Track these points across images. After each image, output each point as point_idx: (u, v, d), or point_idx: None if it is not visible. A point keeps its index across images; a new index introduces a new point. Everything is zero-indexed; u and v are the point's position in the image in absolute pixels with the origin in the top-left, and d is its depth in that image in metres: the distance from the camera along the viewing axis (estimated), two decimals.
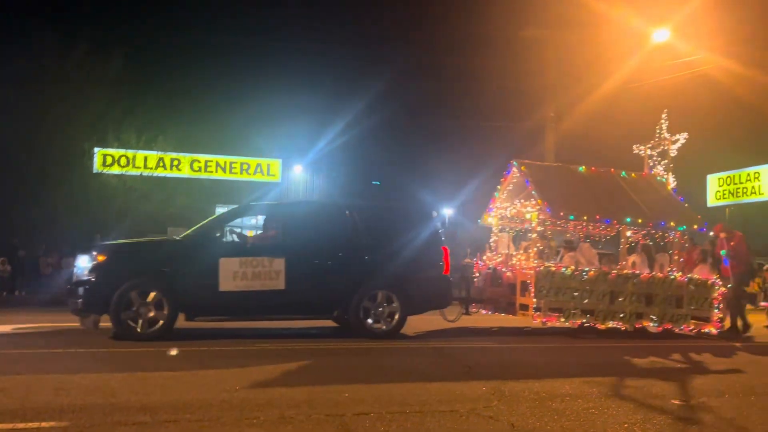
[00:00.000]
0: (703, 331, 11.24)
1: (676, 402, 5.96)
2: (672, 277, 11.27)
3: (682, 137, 12.45)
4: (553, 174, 12.11)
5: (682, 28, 21.50)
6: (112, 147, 25.00)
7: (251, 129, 30.12)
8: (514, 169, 12.01)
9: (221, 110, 28.69)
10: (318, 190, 32.49)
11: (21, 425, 4.65)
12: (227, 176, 29.89)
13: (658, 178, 12.72)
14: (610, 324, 10.80)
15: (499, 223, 12.87)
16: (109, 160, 25.64)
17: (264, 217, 10.97)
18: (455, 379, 6.74)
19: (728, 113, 38.43)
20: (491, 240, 13.05)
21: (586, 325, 10.89)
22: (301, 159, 31.92)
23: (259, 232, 11.13)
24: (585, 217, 11.21)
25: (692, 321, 11.20)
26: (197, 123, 28.02)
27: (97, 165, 25.08)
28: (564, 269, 10.81)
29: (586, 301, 10.72)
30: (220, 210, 30.93)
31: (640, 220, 11.38)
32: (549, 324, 10.65)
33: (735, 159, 30.82)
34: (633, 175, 12.41)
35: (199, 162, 29.05)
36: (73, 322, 10.04)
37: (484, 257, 12.91)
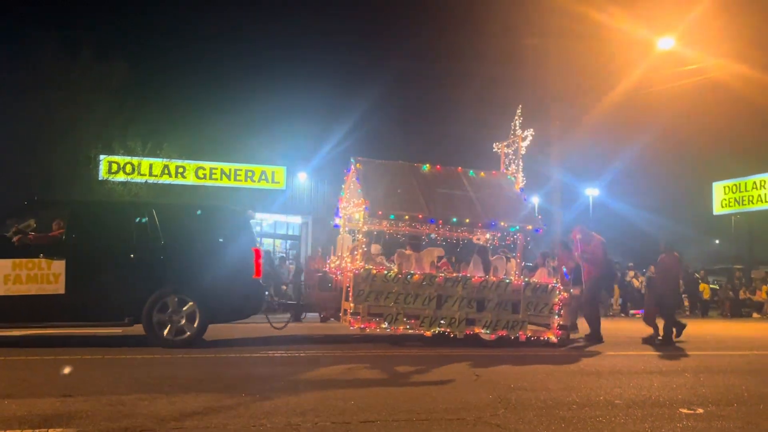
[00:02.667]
0: (542, 338, 10.60)
1: (685, 411, 5.92)
2: (507, 281, 10.64)
3: (529, 134, 11.86)
4: (387, 172, 11.38)
5: (689, 35, 21.50)
6: (117, 154, 25.08)
7: (256, 136, 30.19)
8: (353, 167, 11.35)
9: (226, 117, 28.77)
10: (322, 196, 32.50)
11: (28, 431, 4.65)
12: (232, 183, 29.95)
13: (509, 176, 12.09)
14: (437, 330, 10.21)
15: (347, 224, 12.12)
16: (115, 168, 25.71)
17: (51, 215, 10.28)
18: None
19: (735, 121, 38.39)
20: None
21: (410, 331, 10.29)
22: (305, 166, 31.95)
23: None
24: (406, 217, 10.55)
25: (530, 328, 10.59)
26: (202, 130, 28.11)
27: (102, 172, 25.16)
28: (386, 271, 10.18)
29: (410, 305, 10.09)
30: None
31: (467, 220, 10.81)
32: (368, 330, 10.05)
33: (741, 167, 30.75)
34: (482, 174, 11.86)
35: (204, 169, 29.14)
36: (77, 329, 10.09)
37: (328, 261, 12.16)
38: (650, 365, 8.86)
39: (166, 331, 9.10)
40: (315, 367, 8.02)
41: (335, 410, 5.49)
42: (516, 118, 12.12)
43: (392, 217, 10.54)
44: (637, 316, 19.96)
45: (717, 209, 29.47)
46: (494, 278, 10.63)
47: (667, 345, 11.21)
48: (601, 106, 26.75)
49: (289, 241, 34.66)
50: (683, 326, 12.06)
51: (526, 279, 10.83)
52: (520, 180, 11.98)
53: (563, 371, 8.11)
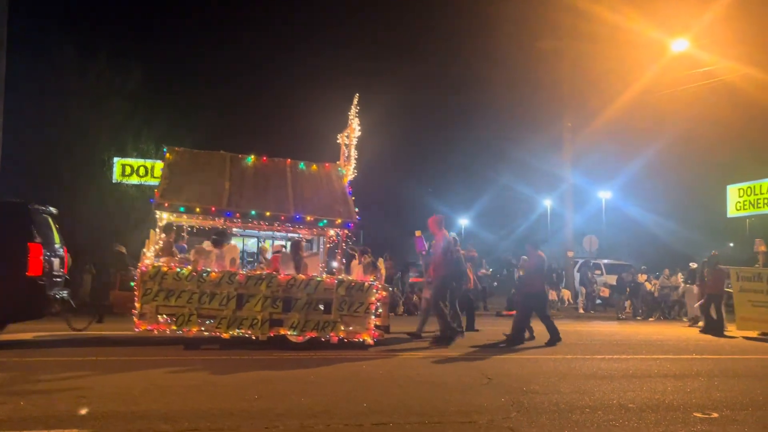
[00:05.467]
0: (356, 339, 9.83)
1: (699, 415, 5.88)
2: (318, 278, 9.92)
3: (357, 127, 11.23)
4: (200, 163, 10.69)
5: (702, 37, 21.37)
6: (131, 157, 25.26)
7: (267, 138, 30.29)
8: (167, 157, 10.66)
9: (238, 119, 28.92)
10: None
11: None
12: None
13: (340, 169, 11.38)
14: (237, 332, 9.42)
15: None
16: (128, 170, 25.84)
17: None
18: None
19: (749, 123, 38.09)
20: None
21: (206, 333, 9.49)
22: None
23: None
24: (198, 209, 9.78)
25: (343, 329, 9.80)
26: (214, 133, 28.18)
27: (116, 175, 25.33)
28: (179, 269, 9.38)
29: (206, 305, 9.32)
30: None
31: (267, 213, 10.06)
32: (157, 332, 9.26)
33: (755, 169, 30.47)
34: (314, 167, 11.20)
35: None
36: (90, 330, 10.17)
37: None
38: (664, 368, 8.80)
39: None
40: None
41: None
42: (352, 107, 11.36)
43: (182, 209, 9.74)
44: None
45: (731, 212, 29.15)
46: (303, 276, 9.88)
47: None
48: (614, 108, 26.67)
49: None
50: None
51: (339, 277, 10.10)
52: (350, 172, 11.38)
53: (575, 374, 8.07)
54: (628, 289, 21.83)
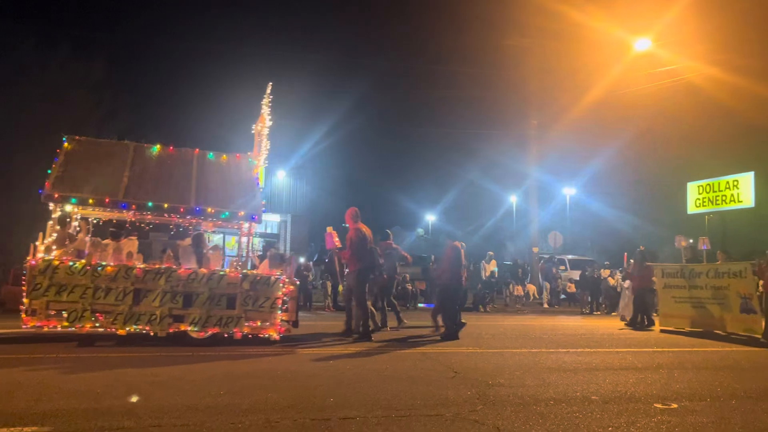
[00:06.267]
0: (261, 335, 9.60)
1: (659, 406, 6.02)
2: (221, 272, 9.64)
3: (269, 116, 11.02)
4: (100, 153, 10.29)
5: (665, 36, 21.79)
6: None
7: (234, 133, 30.01)
8: (65, 146, 10.24)
9: (204, 114, 28.60)
10: (301, 195, 32.42)
11: (3, 430, 4.59)
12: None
13: (250, 160, 11.09)
14: (134, 328, 9.08)
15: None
16: None
17: None
18: None
19: (709, 122, 39.01)
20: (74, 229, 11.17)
21: (100, 329, 9.09)
22: (284, 164, 31.85)
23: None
24: (91, 200, 9.38)
25: (248, 324, 9.59)
26: (180, 126, 27.84)
27: None
28: (72, 263, 8.99)
29: (101, 300, 8.98)
30: None
31: (165, 205, 9.74)
32: (47, 329, 8.87)
33: (715, 167, 31.25)
34: (224, 157, 10.91)
35: None
36: (54, 328, 9.93)
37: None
38: (626, 361, 8.98)
39: None
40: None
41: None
42: (265, 97, 11.08)
43: (74, 201, 9.35)
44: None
45: (691, 209, 29.82)
46: (205, 270, 9.60)
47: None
48: (579, 106, 27.04)
49: (265, 240, 34.56)
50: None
51: (244, 271, 9.85)
52: (262, 163, 11.18)
53: (540, 367, 8.18)
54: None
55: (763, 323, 11.56)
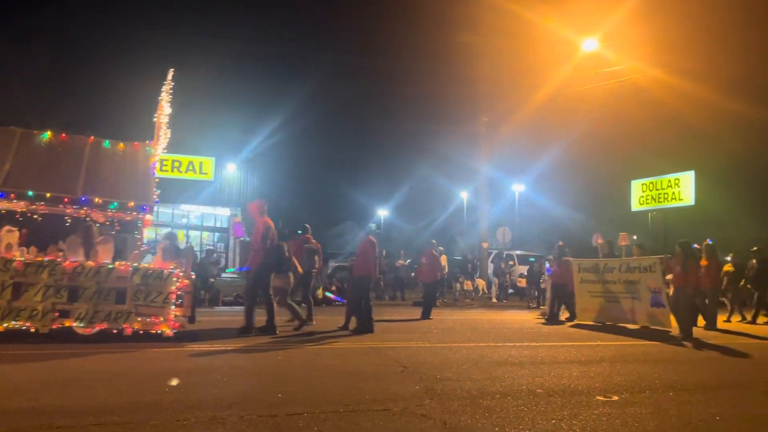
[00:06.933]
0: (153, 331, 9.16)
1: (601, 398, 6.17)
2: (110, 266, 9.23)
3: (167, 105, 10.54)
4: None
5: (611, 38, 22.30)
6: None
7: (184, 125, 29.41)
8: None
9: (152, 105, 27.98)
10: (252, 188, 32.04)
11: None
12: (157, 173, 29.04)
13: (149, 149, 10.72)
14: (13, 324, 8.66)
15: None
16: None
17: None
18: None
19: (653, 122, 40.15)
20: None
21: None
22: (234, 157, 31.40)
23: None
24: None
25: (139, 320, 9.19)
26: (127, 117, 27.15)
27: None
28: None
29: None
30: None
31: (48, 195, 9.23)
32: None
33: (658, 165, 32.22)
34: (120, 146, 10.49)
35: None
36: None
37: None
38: (570, 355, 9.18)
39: None
40: None
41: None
42: (165, 84, 10.63)
43: None
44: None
45: (635, 206, 30.73)
46: (92, 263, 9.21)
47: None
48: (529, 104, 27.46)
49: (217, 234, 34.05)
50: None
51: (135, 264, 9.44)
52: (159, 151, 10.90)
53: (487, 361, 8.29)
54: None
55: (671, 317, 11.86)
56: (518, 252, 31.18)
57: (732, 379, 7.77)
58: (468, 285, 23.49)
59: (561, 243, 16.56)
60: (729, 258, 17.56)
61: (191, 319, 10.23)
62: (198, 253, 21.74)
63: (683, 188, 27.87)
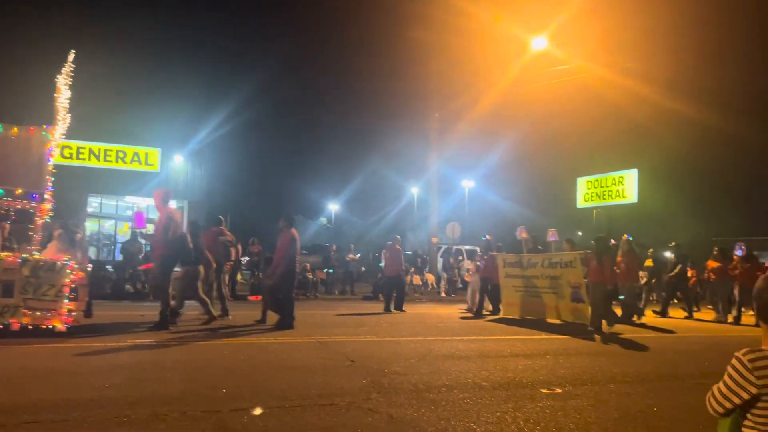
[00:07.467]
0: (44, 326, 8.67)
1: (545, 391, 6.29)
2: None
3: (66, 88, 10.08)
4: None
5: (560, 36, 22.69)
6: None
7: (129, 115, 28.70)
8: None
9: (96, 93, 27.09)
10: (199, 180, 31.47)
11: None
12: (101, 164, 28.18)
13: (44, 133, 10.10)
14: None
15: None
16: None
17: None
18: None
19: (600, 120, 41.12)
20: None
21: None
22: (181, 149, 30.75)
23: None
24: None
25: (29, 314, 8.69)
26: (69, 107, 26.29)
27: None
28: None
29: None
30: (93, 200, 29.26)
31: None
32: None
33: (602, 163, 33.02)
34: (14, 130, 9.90)
35: (70, 148, 27.22)
36: None
37: None
38: (515, 348, 9.32)
39: None
40: None
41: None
42: (65, 66, 10.12)
43: None
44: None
45: (580, 203, 31.35)
46: None
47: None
48: (480, 101, 27.74)
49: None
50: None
51: (24, 256, 8.98)
52: (57, 137, 10.27)
53: (434, 355, 8.35)
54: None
55: (590, 311, 12.07)
56: (467, 247, 31.50)
57: (668, 371, 8.02)
58: (417, 280, 23.62)
59: (488, 237, 16.74)
60: (649, 253, 17.97)
61: (87, 313, 9.81)
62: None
63: (627, 186, 28.56)
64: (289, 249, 11.18)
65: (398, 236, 17.41)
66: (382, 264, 22.28)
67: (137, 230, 11.27)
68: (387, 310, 15.34)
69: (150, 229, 12.22)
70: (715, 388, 2.49)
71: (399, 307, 15.80)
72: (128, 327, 10.16)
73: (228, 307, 12.36)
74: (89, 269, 9.73)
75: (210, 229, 12.80)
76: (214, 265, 11.91)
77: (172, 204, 32.39)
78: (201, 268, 11.16)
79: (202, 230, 12.39)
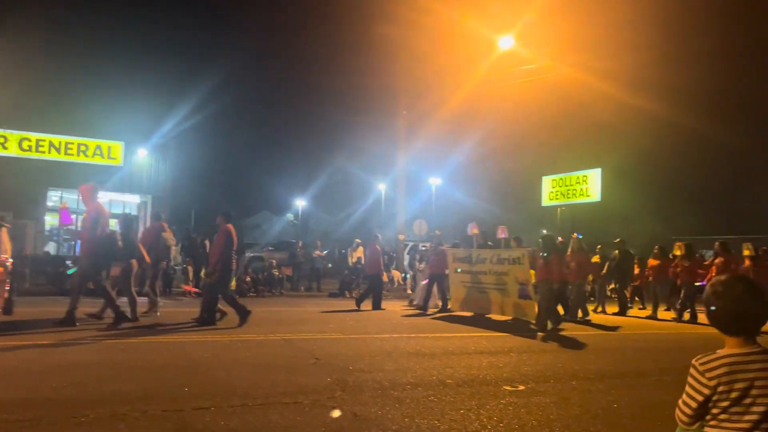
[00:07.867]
0: None
1: (508, 388, 6.34)
2: None
3: None
4: None
5: (527, 36, 22.90)
6: None
7: (91, 107, 28.14)
8: None
9: (57, 85, 26.51)
10: (163, 175, 31.01)
11: None
12: (62, 158, 27.61)
13: None
14: None
15: None
16: None
17: None
18: None
19: (565, 119, 41.63)
20: None
21: None
22: (145, 142, 30.27)
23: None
24: None
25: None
26: (28, 97, 25.67)
27: None
28: None
29: None
30: (53, 194, 28.61)
31: None
32: None
33: (567, 162, 33.45)
34: None
35: (29, 141, 26.60)
36: None
37: None
38: (480, 346, 9.39)
39: None
40: None
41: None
42: None
43: None
44: None
45: (545, 201, 31.75)
46: None
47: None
48: (447, 98, 27.87)
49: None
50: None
51: None
52: None
53: (400, 353, 8.35)
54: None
55: (536, 308, 12.17)
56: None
57: (628, 368, 8.16)
58: (384, 277, 23.64)
59: (438, 232, 16.79)
60: (597, 249, 18.23)
61: (7, 310, 9.56)
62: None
63: (590, 185, 29.00)
64: (225, 246, 10.96)
65: (378, 235, 17.38)
66: (350, 261, 22.40)
67: (63, 227, 10.89)
68: (358, 306, 15.11)
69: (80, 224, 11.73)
70: (680, 400, 2.56)
71: (377, 306, 15.46)
72: (47, 324, 9.62)
73: (158, 304, 11.98)
74: (8, 264, 9.44)
75: (152, 224, 12.55)
76: (148, 260, 11.65)
77: (136, 198, 31.95)
78: (134, 263, 10.94)
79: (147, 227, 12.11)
